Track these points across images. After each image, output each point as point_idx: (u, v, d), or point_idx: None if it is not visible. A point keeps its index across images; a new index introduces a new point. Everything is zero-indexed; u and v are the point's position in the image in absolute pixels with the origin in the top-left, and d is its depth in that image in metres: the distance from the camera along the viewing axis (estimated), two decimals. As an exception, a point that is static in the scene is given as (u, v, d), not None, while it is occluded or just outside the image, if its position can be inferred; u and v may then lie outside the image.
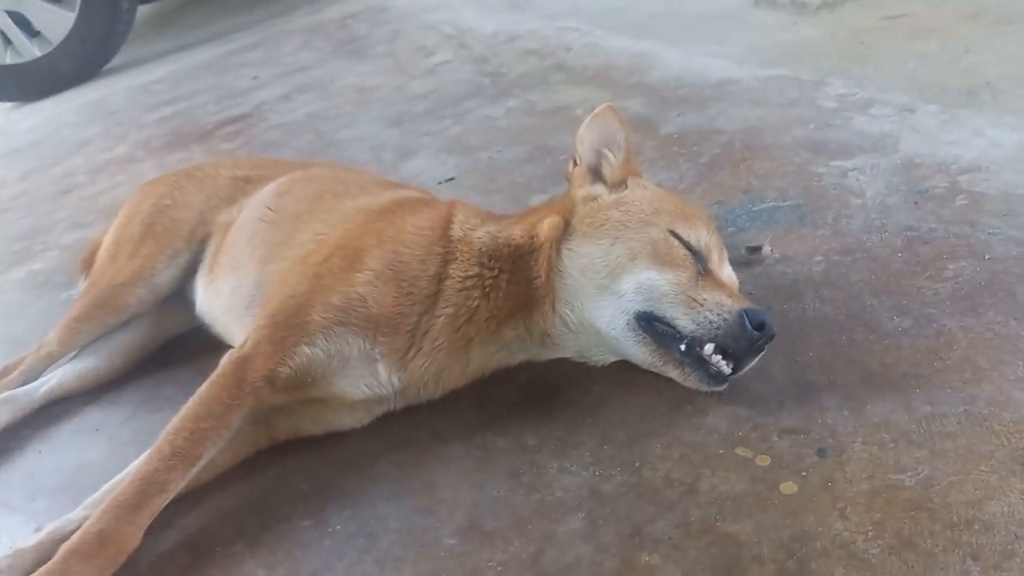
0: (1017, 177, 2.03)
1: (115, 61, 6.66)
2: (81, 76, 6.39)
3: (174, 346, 2.28)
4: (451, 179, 2.89)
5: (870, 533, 1.26)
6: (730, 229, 2.13)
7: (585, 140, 1.82)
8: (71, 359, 2.21)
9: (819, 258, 1.93)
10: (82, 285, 2.36)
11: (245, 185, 2.27)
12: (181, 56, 6.36)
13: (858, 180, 2.20)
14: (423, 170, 3.03)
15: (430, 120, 3.56)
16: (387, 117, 3.75)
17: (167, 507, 1.55)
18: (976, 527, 1.24)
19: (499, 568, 1.37)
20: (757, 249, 1.98)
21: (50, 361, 2.20)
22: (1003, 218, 1.90)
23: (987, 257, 1.79)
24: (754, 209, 2.20)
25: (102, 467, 1.83)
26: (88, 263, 2.39)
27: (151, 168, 3.92)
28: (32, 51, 6.10)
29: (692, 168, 2.51)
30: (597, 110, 1.81)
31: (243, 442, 1.73)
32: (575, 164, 1.84)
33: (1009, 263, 1.75)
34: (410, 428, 1.74)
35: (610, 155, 1.81)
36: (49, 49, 6.11)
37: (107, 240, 2.33)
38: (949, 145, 2.26)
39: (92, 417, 2.09)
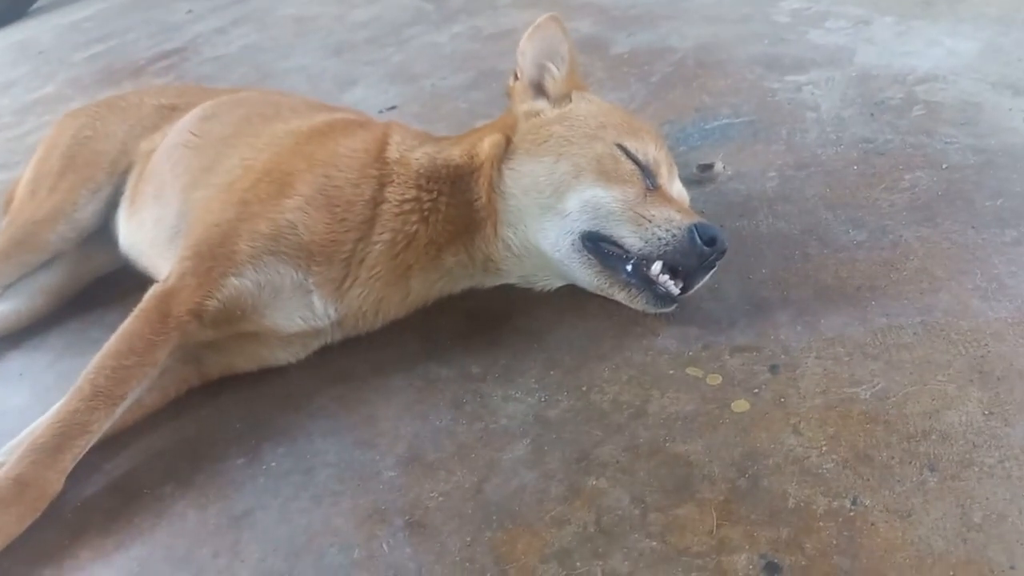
0: (974, 85, 1.98)
1: (42, 0, 6.33)
2: (6, 17, 6.06)
3: (101, 286, 2.15)
4: (393, 108, 2.77)
5: (824, 448, 1.22)
6: (682, 148, 2.05)
7: (527, 53, 1.72)
8: (-9, 302, 2.08)
9: (773, 174, 1.86)
10: (1, 225, 2.21)
11: (170, 113, 2.13)
12: (112, -8, 6.06)
13: (813, 94, 2.13)
14: (364, 99, 2.90)
15: (372, 48, 3.41)
16: (327, 47, 3.59)
17: (93, 450, 1.47)
18: (933, 438, 1.20)
19: (441, 498, 1.30)
20: (709, 167, 1.91)
21: (-31, 305, 2.06)
22: (960, 127, 1.85)
23: (944, 167, 1.74)
24: (706, 127, 2.12)
25: (25, 413, 1.72)
26: (9, 204, 2.25)
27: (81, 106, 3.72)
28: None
29: (643, 88, 2.41)
30: (539, 20, 1.71)
31: (172, 380, 1.64)
32: (516, 79, 1.74)
33: (967, 171, 1.70)
34: (349, 361, 1.65)
35: (553, 68, 1.71)
36: (-29, -13, 5.78)
37: (26, 175, 2.19)
38: (905, 56, 2.20)
39: (14, 362, 1.97)
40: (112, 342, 1.51)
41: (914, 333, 1.38)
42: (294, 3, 4.43)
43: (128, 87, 3.84)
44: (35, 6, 6.28)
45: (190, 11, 4.89)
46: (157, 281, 1.62)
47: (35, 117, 3.83)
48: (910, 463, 1.17)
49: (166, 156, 1.93)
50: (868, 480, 1.16)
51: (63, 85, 4.24)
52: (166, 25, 4.73)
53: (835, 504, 1.14)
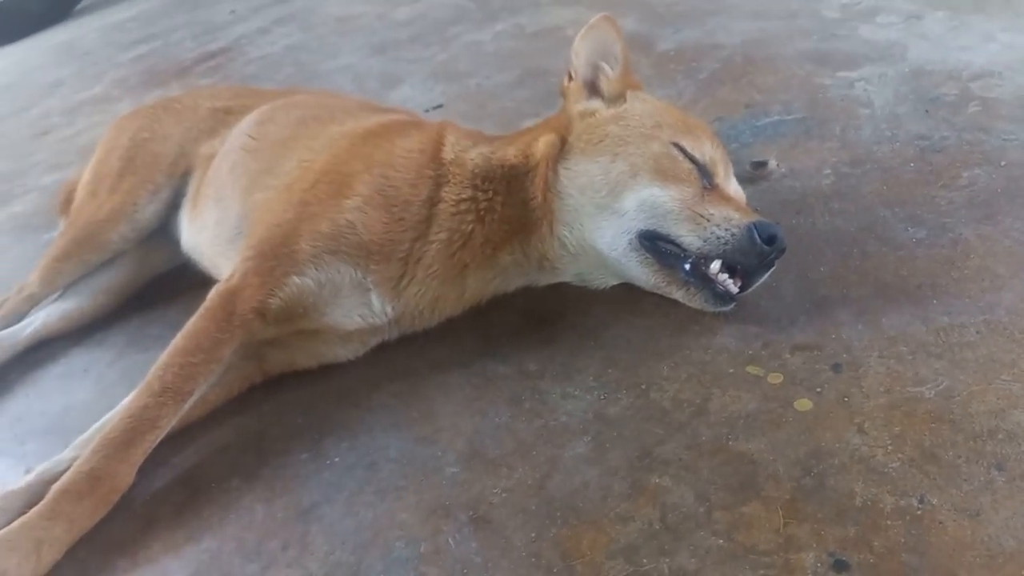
0: (1032, 81, 1.95)
1: (86, 1, 6.45)
2: (51, 18, 6.19)
3: (160, 284, 2.21)
4: (439, 106, 2.79)
5: (889, 447, 1.22)
6: (733, 145, 2.04)
7: (580, 53, 1.73)
8: (55, 300, 2.14)
9: (828, 171, 1.85)
10: (62, 226, 2.27)
11: (225, 116, 2.17)
12: (155, -8, 6.16)
13: (865, 90, 2.11)
14: (409, 98, 2.93)
15: (415, 47, 3.43)
16: (371, 45, 3.62)
17: (160, 445, 1.51)
18: (1000, 437, 1.19)
19: (504, 495, 1.32)
20: (762, 164, 1.90)
21: (32, 303, 2.12)
22: (1018, 123, 1.83)
23: (1003, 163, 1.72)
24: (757, 124, 2.11)
25: (90, 408, 1.78)
26: (67, 205, 2.31)
27: (128, 107, 3.78)
28: (-1, -8, 5.90)
29: (691, 84, 2.41)
30: (592, 20, 1.71)
31: (235, 377, 1.68)
32: (570, 79, 1.75)
33: (1026, 169, 1.68)
34: (407, 358, 1.68)
35: (607, 68, 1.72)
36: (17, -11, 5.90)
37: (85, 177, 2.25)
38: (959, 51, 2.17)
39: (79, 358, 2.03)
40: (179, 340, 1.54)
41: (977, 332, 1.37)
42: (336, 2, 4.47)
43: (175, 88, 3.91)
44: (79, 6, 6.40)
45: (233, 11, 4.95)
46: (218, 280, 1.66)
47: (84, 117, 3.91)
48: (977, 462, 1.17)
49: (226, 160, 1.97)
50: (935, 479, 1.16)
51: (110, 86, 4.32)
52: (209, 25, 4.79)
53: (902, 503, 1.14)
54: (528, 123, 2.42)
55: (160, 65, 4.39)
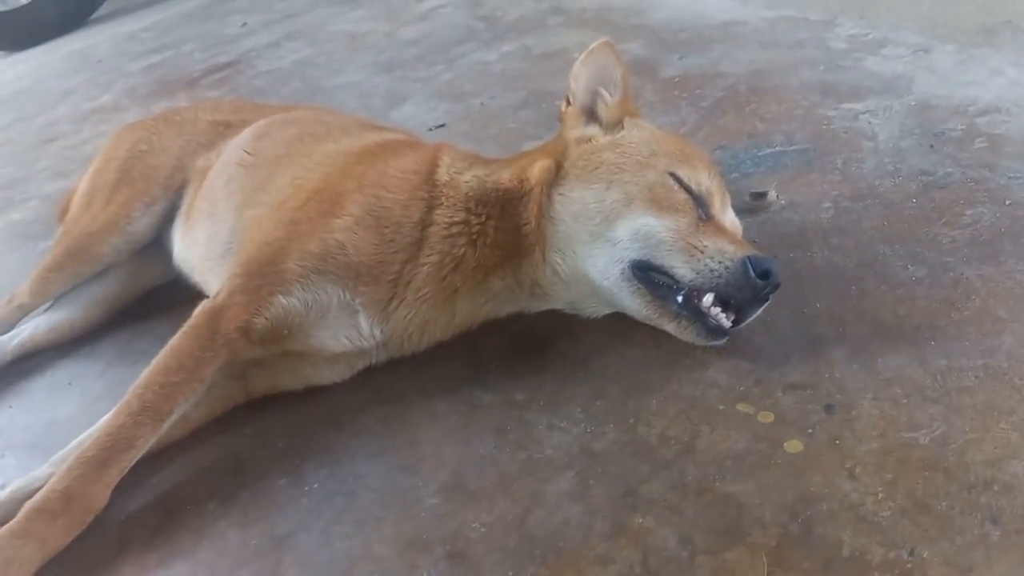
0: (1039, 119, 1.92)
1: (102, 10, 6.50)
2: (67, 25, 6.23)
3: (152, 298, 2.18)
4: (441, 126, 2.77)
5: (881, 494, 1.18)
6: (734, 175, 2.01)
7: (579, 78, 1.70)
8: (45, 311, 2.13)
9: (828, 204, 1.82)
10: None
11: (224, 130, 2.16)
12: (169, 4, 6.20)
13: (870, 123, 2.08)
14: (413, 116, 2.91)
15: (422, 66, 3.42)
16: (378, 63, 3.62)
17: (138, 464, 1.48)
18: (996, 488, 1.15)
19: (483, 529, 1.28)
20: (762, 195, 1.87)
21: (22, 313, 2.10)
22: (1024, 162, 1.79)
23: (1008, 202, 1.68)
24: (759, 154, 2.08)
25: (74, 423, 1.74)
26: (66, 214, 2.29)
27: (136, 116, 3.78)
28: (17, -1, 5.94)
29: (694, 112, 2.38)
30: (592, 46, 1.69)
31: (219, 397, 1.65)
32: (568, 104, 1.72)
33: (1031, 208, 1.65)
34: (394, 382, 1.65)
35: (606, 94, 1.69)
36: (34, -3, 5.95)
37: (82, 187, 2.24)
38: (966, 86, 2.14)
39: (65, 371, 2.00)
40: (161, 357, 1.52)
41: (976, 376, 1.33)
42: (347, 19, 4.47)
43: (182, 98, 3.91)
44: (96, 15, 6.44)
45: (244, 24, 4.97)
46: (208, 296, 1.64)
47: (91, 127, 3.91)
48: (971, 514, 1.12)
49: (220, 174, 1.95)
50: (927, 530, 1.12)
51: (119, 95, 4.33)
52: (221, 38, 4.81)
53: (891, 555, 1.10)
54: (530, 145, 2.41)
55: (169, 76, 4.40)
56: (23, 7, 5.98)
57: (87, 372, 1.98)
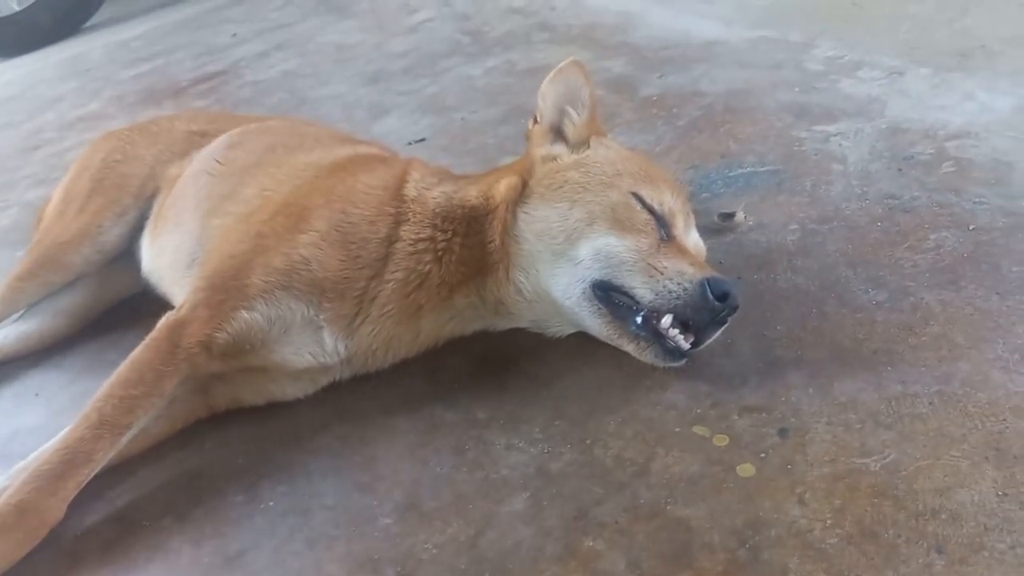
0: (1008, 143, 1.92)
1: (96, 17, 6.50)
2: (61, 32, 6.22)
3: (122, 309, 2.18)
4: (422, 140, 2.78)
5: (829, 521, 1.17)
6: (704, 195, 2.02)
7: (547, 96, 1.70)
8: (14, 321, 2.11)
9: (794, 226, 1.82)
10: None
11: (200, 139, 2.16)
12: (163, 12, 6.21)
13: (840, 145, 2.09)
14: (394, 131, 2.91)
15: (407, 79, 3.43)
16: (364, 75, 3.62)
17: (97, 478, 1.48)
18: (943, 517, 1.15)
19: (435, 550, 1.28)
20: (730, 216, 1.88)
21: (-8, 322, 2.10)
22: (991, 186, 1.80)
23: (972, 227, 1.69)
24: (730, 174, 2.09)
25: (40, 433, 1.73)
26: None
27: (121, 125, 3.79)
28: (11, 5, 5.93)
29: (670, 131, 2.39)
30: (561, 65, 1.70)
31: (180, 411, 1.64)
32: (536, 122, 1.73)
33: (995, 234, 1.65)
34: (356, 399, 1.64)
35: (573, 113, 1.70)
36: (28, 3, 5.94)
37: (56, 196, 2.24)
38: (938, 110, 2.15)
39: (33, 381, 2.00)
40: (121, 370, 1.52)
41: (930, 403, 1.33)
42: (337, 30, 4.49)
43: (169, 108, 3.92)
44: (89, 22, 6.44)
45: (235, 34, 4.97)
46: (174, 307, 1.63)
47: (76, 134, 3.91)
48: (917, 543, 1.12)
49: (190, 183, 1.95)
50: (872, 559, 1.11)
51: (107, 103, 4.33)
52: (211, 47, 4.82)
53: (836, 582, 1.09)
54: (508, 160, 2.42)
55: (158, 85, 4.40)
56: (17, 13, 5.98)
57: (54, 383, 1.97)
